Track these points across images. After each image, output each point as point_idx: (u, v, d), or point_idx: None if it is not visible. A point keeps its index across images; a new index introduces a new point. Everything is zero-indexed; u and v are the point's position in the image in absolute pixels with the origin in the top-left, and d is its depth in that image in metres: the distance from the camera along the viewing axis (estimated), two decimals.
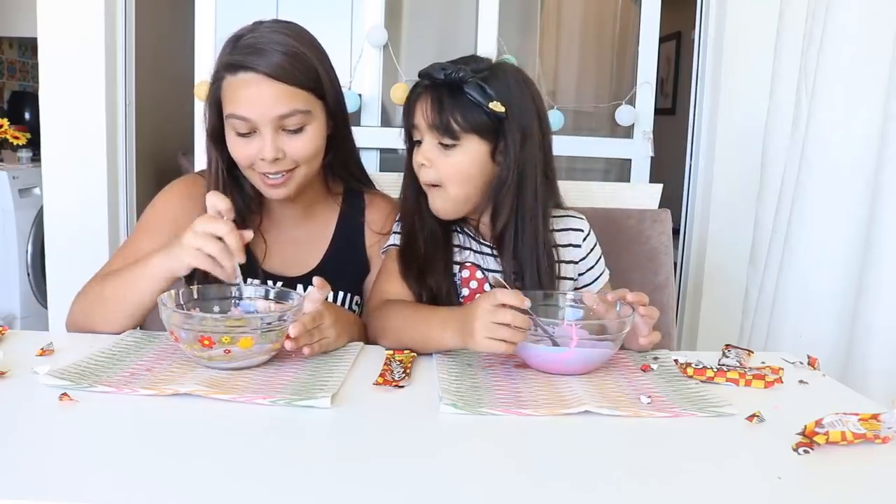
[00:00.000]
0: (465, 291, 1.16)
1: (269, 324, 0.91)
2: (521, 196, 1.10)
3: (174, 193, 1.21)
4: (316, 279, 1.00)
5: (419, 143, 1.11)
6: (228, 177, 1.15)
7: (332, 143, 1.17)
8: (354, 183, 1.27)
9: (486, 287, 1.15)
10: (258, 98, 1.05)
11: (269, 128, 1.06)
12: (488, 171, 1.11)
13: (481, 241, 1.18)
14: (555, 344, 0.95)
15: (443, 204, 1.12)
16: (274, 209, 1.21)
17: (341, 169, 1.24)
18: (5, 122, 2.84)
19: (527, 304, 0.92)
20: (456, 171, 1.09)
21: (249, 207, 1.18)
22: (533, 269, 1.11)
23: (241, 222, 1.16)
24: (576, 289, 1.21)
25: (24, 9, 2.81)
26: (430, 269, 1.13)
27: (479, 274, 1.16)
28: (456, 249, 1.18)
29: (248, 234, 1.02)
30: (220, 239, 0.97)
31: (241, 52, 1.06)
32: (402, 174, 1.19)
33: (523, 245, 1.12)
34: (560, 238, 1.20)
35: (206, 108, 1.13)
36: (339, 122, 1.17)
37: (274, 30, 1.08)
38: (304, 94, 1.07)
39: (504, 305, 0.91)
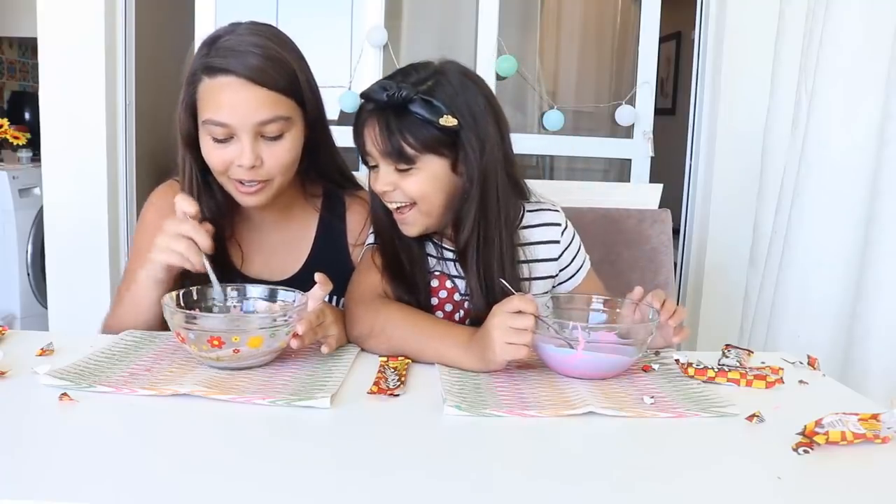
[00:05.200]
0: (434, 301, 1.13)
1: (278, 319, 0.91)
2: (484, 205, 1.05)
3: (154, 211, 1.20)
4: (318, 276, 0.99)
5: (376, 167, 1.06)
6: (202, 182, 1.13)
7: (310, 149, 1.14)
8: (333, 186, 1.25)
9: (456, 296, 1.13)
10: (238, 103, 1.02)
11: (248, 134, 1.03)
12: (452, 184, 1.05)
13: (445, 247, 1.15)
14: (571, 347, 0.93)
15: (412, 225, 1.07)
16: (251, 214, 1.19)
17: (320, 174, 1.22)
18: (5, 122, 2.83)
19: (541, 307, 0.91)
20: (419, 191, 1.04)
21: (222, 213, 1.15)
22: (498, 277, 1.05)
23: (215, 228, 1.16)
24: (558, 284, 1.19)
25: (24, 9, 2.81)
26: (414, 286, 1.10)
27: (448, 283, 1.13)
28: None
29: (208, 227, 1.03)
30: (188, 238, 1.01)
31: (218, 55, 1.03)
32: None
33: (488, 254, 1.07)
34: (537, 234, 1.16)
35: (180, 110, 1.09)
36: (318, 127, 1.14)
37: (252, 32, 1.05)
38: (284, 100, 1.05)
39: (519, 312, 0.90)
